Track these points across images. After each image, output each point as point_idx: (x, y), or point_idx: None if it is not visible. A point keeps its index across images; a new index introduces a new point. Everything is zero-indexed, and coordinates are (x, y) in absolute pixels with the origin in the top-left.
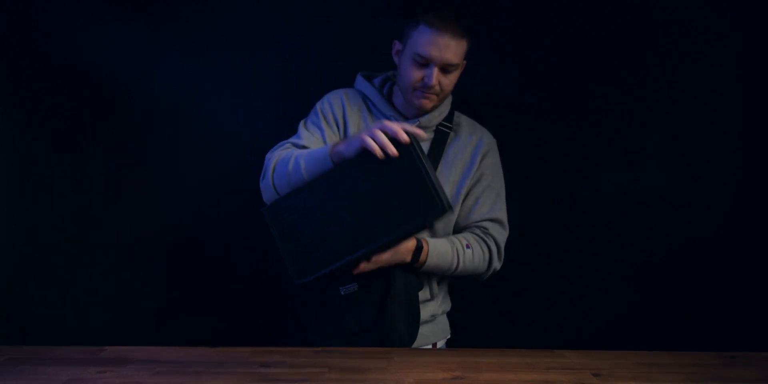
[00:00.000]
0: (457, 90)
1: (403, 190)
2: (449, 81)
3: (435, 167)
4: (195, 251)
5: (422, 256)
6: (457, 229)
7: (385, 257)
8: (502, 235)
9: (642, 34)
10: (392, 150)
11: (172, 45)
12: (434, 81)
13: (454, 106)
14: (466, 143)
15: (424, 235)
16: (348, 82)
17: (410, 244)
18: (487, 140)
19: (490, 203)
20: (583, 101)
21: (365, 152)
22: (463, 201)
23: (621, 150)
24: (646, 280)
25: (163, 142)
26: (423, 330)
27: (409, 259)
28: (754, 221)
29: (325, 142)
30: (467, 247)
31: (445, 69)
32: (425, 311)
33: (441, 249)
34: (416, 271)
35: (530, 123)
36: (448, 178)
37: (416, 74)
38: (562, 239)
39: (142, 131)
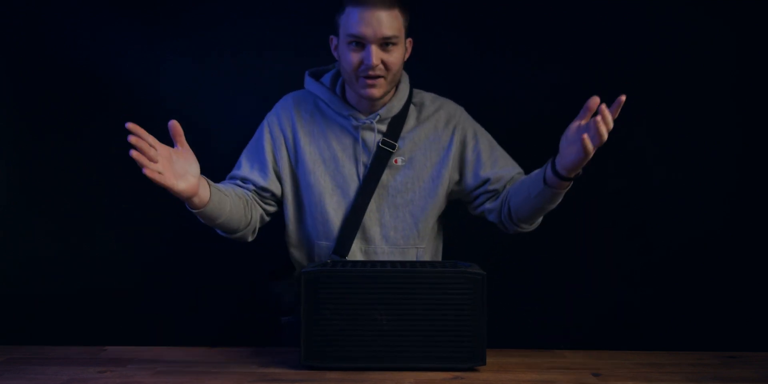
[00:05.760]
0: (457, 88)
1: (454, 324)
2: (393, 59)
3: (392, 143)
4: (195, 251)
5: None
6: (489, 194)
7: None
8: None
9: (643, 33)
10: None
11: (174, 46)
12: (374, 60)
13: (414, 86)
14: (436, 123)
15: (407, 216)
16: None
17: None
18: (454, 112)
19: (507, 162)
20: (580, 101)
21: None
22: (472, 175)
23: (621, 150)
24: (646, 280)
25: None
26: None
27: (581, 170)
28: (754, 221)
29: (270, 179)
30: None
31: (384, 46)
32: None
33: None
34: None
35: (529, 122)
36: (425, 163)
37: (355, 58)
38: (562, 239)
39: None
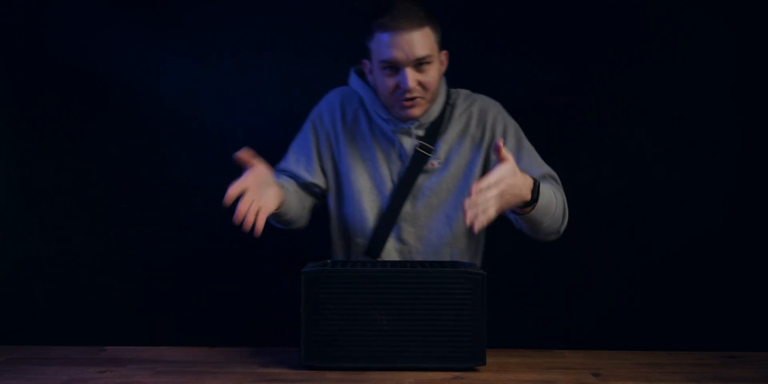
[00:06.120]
0: (458, 88)
1: (454, 324)
2: (430, 78)
3: (430, 147)
4: (195, 251)
5: (538, 195)
6: None
7: (505, 202)
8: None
9: (643, 33)
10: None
11: (174, 46)
12: (411, 83)
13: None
14: (468, 121)
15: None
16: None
17: (529, 181)
18: (486, 108)
19: (532, 161)
20: (580, 101)
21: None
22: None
23: (621, 150)
24: (646, 280)
25: (165, 143)
26: None
27: (529, 197)
28: (754, 221)
29: (315, 173)
30: (554, 193)
31: (418, 66)
32: None
33: (546, 190)
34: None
35: (530, 122)
36: (459, 162)
37: (390, 82)
38: (562, 239)
39: (144, 132)
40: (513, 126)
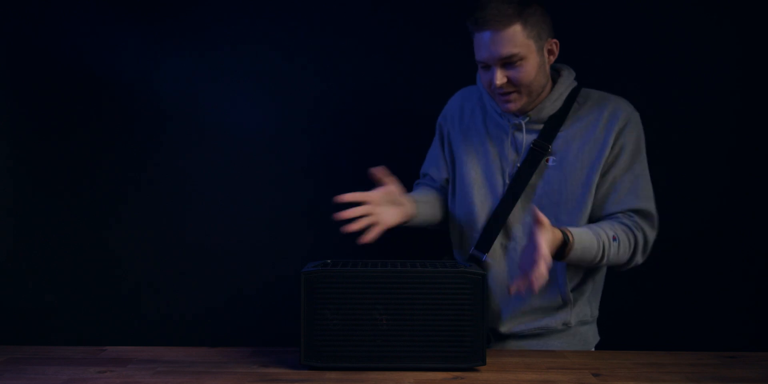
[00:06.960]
0: (458, 88)
1: (454, 324)
2: (522, 74)
3: (546, 145)
4: (195, 251)
5: (566, 251)
6: (594, 220)
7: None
8: (651, 230)
9: (644, 33)
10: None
11: (173, 44)
12: (498, 81)
13: (582, 85)
14: (595, 119)
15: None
16: (349, 78)
17: (557, 237)
18: (623, 112)
19: (632, 190)
20: None
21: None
22: (597, 188)
23: None
24: (646, 280)
25: (164, 141)
26: (552, 340)
27: (552, 254)
28: (754, 221)
29: (443, 170)
30: (614, 239)
31: (508, 63)
32: (555, 319)
33: (586, 243)
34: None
35: None
36: (575, 165)
37: (485, 79)
38: None
39: (143, 130)
40: (634, 142)
